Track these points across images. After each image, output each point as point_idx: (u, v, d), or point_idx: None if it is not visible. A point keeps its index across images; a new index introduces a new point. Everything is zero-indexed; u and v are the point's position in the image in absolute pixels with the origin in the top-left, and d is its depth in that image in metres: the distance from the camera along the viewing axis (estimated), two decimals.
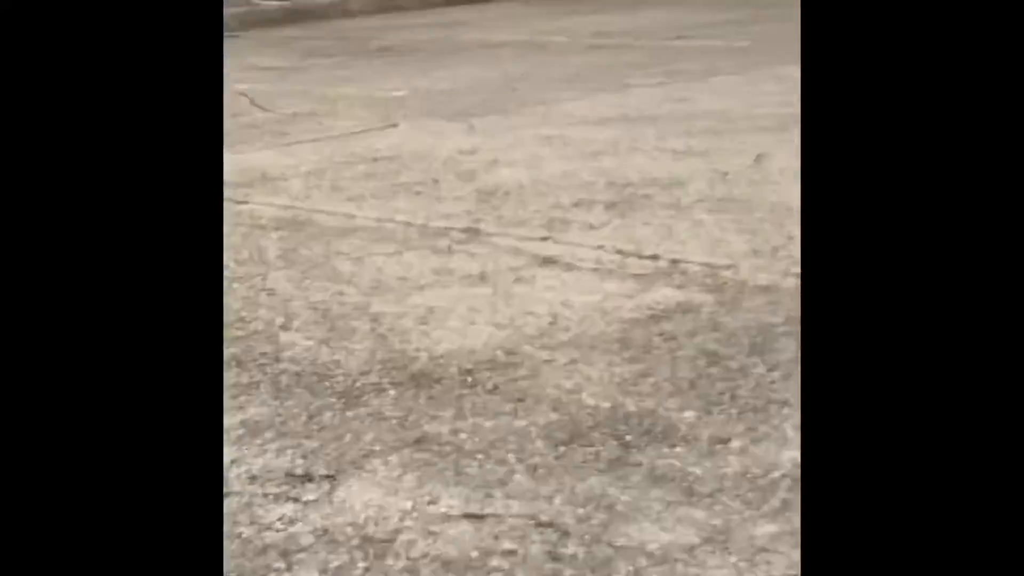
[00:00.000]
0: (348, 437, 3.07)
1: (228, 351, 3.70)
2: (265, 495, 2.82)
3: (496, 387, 3.32)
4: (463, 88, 8.02)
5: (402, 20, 12.17)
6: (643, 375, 3.32)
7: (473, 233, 4.75)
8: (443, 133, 6.62)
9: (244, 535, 2.65)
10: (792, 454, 2.81)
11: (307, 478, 2.89)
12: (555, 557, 2.49)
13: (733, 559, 2.44)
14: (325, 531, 2.65)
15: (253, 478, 2.90)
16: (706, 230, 4.59)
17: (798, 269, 3.98)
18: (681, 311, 3.77)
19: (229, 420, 3.21)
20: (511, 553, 2.52)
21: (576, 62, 8.82)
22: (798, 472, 2.66)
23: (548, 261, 4.35)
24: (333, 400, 3.31)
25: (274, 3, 12.55)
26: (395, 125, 6.94)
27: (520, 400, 3.23)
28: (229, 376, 3.52)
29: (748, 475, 2.75)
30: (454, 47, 10.06)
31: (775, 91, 7.15)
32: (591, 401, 3.18)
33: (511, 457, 2.92)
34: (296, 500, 2.79)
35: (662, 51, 9.12)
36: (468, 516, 2.67)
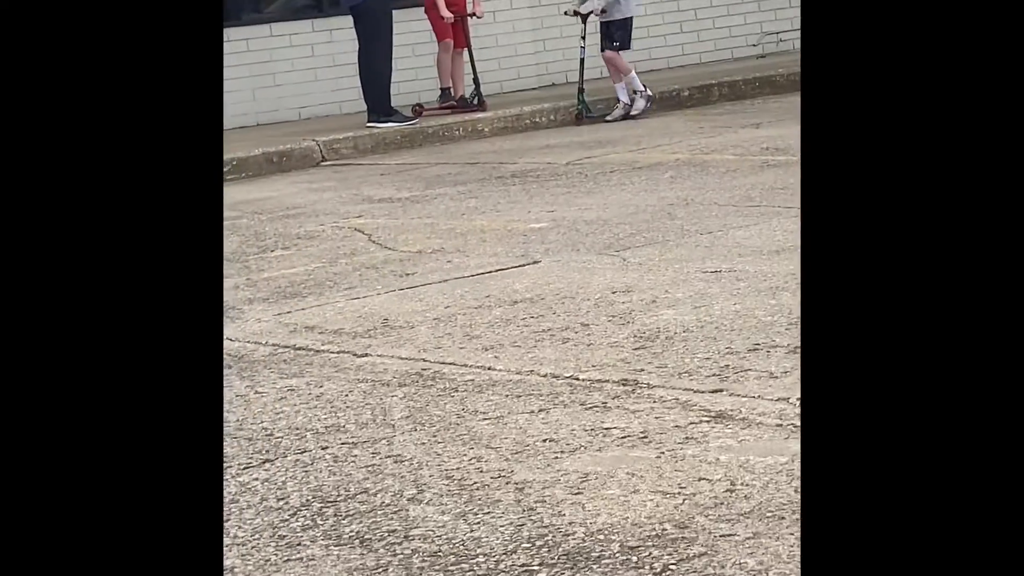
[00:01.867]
0: None
1: (350, 528, 3.71)
2: None
3: (665, 568, 3.29)
4: (613, 217, 8.08)
5: (540, 140, 12.33)
6: None
7: (632, 386, 4.74)
8: (592, 269, 6.66)
9: None
10: None
11: None
12: None
13: None
14: None
15: None
16: None
17: None
18: None
19: None
20: None
21: (744, 183, 8.84)
22: None
23: (722, 417, 4.33)
24: None
25: (392, 126, 12.79)
26: (536, 262, 6.99)
27: None
28: (352, 556, 3.53)
29: None
30: (600, 169, 10.15)
31: None
32: None
33: None
34: None
35: None
36: None
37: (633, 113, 12.99)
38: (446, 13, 13.36)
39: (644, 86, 13.13)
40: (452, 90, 13.77)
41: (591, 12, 13.18)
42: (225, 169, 11.56)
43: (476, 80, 13.56)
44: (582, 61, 13.22)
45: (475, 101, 13.57)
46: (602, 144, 11.59)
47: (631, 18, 13.24)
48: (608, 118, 13.00)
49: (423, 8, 13.71)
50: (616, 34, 13.09)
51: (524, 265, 6.94)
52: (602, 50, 13.21)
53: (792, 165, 9.34)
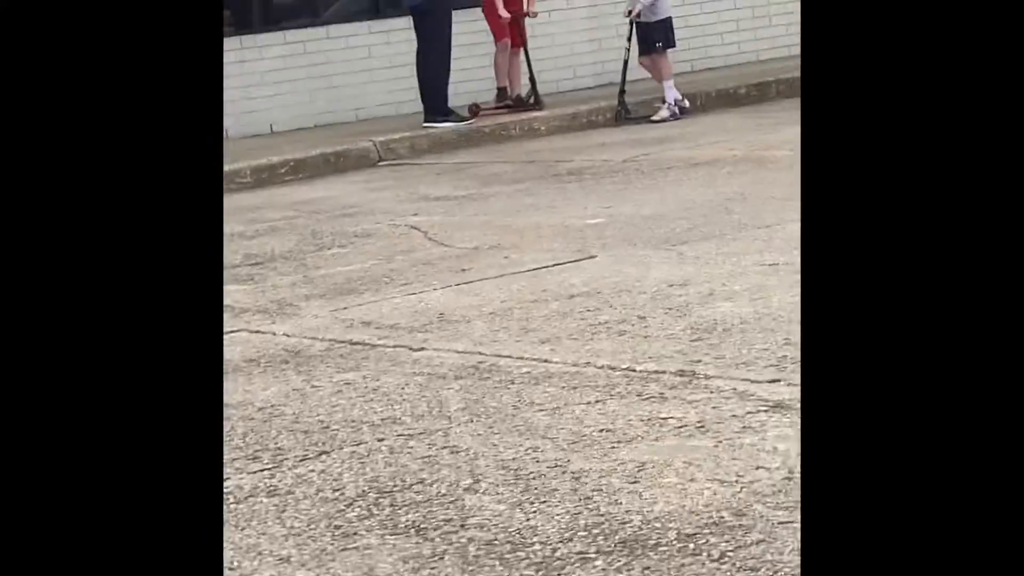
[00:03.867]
0: None
1: (406, 517, 3.71)
2: None
3: (723, 555, 3.27)
4: (670, 212, 8.05)
5: (596, 137, 12.31)
6: None
7: (689, 376, 4.72)
8: (648, 263, 6.64)
9: None
10: None
11: None
12: None
13: None
14: None
15: None
16: None
17: None
18: None
19: None
20: None
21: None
22: None
23: (780, 407, 4.30)
24: (531, 573, 3.30)
25: (448, 126, 12.80)
26: (592, 256, 6.98)
27: (754, 570, 3.17)
28: (408, 545, 3.53)
29: None
30: (657, 166, 10.13)
31: None
32: None
33: None
34: None
35: None
36: None
37: (655, 119, 12.90)
38: (504, 12, 13.36)
39: (677, 99, 13.03)
40: (509, 89, 13.77)
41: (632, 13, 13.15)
42: (282, 170, 11.63)
43: (532, 79, 13.55)
44: (625, 62, 13.18)
45: (532, 100, 13.56)
46: (659, 142, 11.56)
47: (669, 18, 13.17)
48: (653, 118, 12.95)
49: (480, 8, 13.72)
50: (656, 36, 13.05)
51: (581, 260, 6.92)
52: (640, 54, 13.15)
53: None
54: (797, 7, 15.74)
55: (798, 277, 5.99)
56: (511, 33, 13.61)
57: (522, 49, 13.72)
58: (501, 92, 13.82)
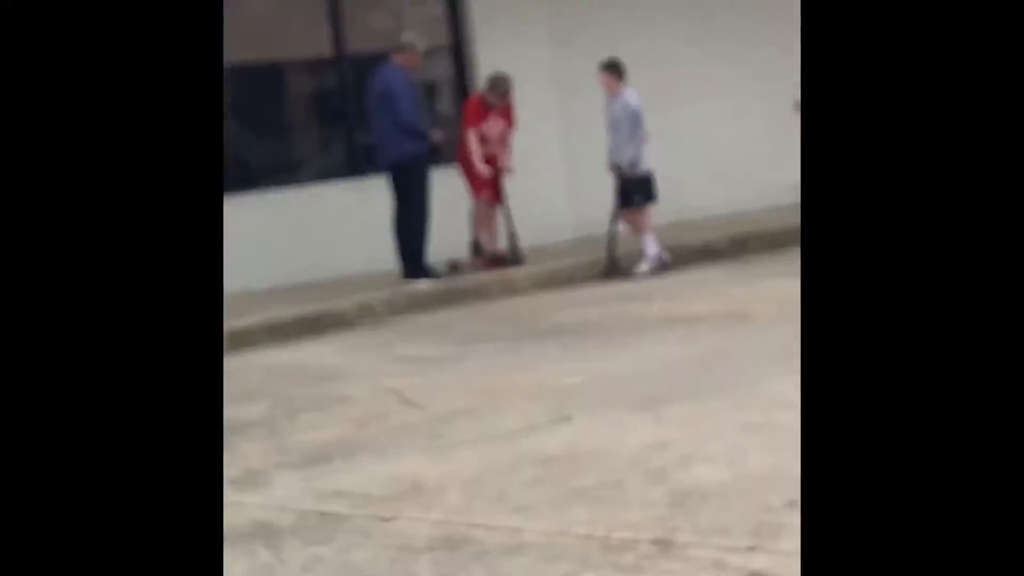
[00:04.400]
0: None
1: None
2: None
3: None
4: (649, 371, 7.98)
5: (577, 293, 12.27)
6: None
7: (665, 545, 4.62)
8: (626, 425, 6.55)
9: None
10: None
11: None
12: None
13: None
14: None
15: None
16: None
17: None
18: None
19: None
20: None
21: (784, 333, 8.72)
22: None
23: (757, 575, 4.20)
24: None
25: (427, 283, 12.77)
26: (569, 418, 6.89)
27: None
28: None
29: None
30: (637, 323, 10.08)
31: None
32: None
33: None
34: None
35: None
36: None
37: (636, 272, 12.89)
38: (482, 166, 13.39)
39: (659, 253, 13.05)
40: (488, 245, 13.76)
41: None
42: (257, 333, 11.55)
43: (512, 234, 13.55)
44: (614, 216, 13.20)
45: (511, 256, 13.55)
46: (639, 297, 11.53)
47: (650, 172, 13.21)
48: (635, 271, 12.93)
49: (458, 163, 13.75)
50: (636, 190, 13.09)
51: (557, 422, 6.83)
52: (620, 206, 13.18)
53: None
54: (777, 160, 15.82)
55: (777, 438, 5.93)
56: (489, 188, 13.64)
57: (501, 204, 13.73)
58: (480, 248, 13.81)
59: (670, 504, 5.11)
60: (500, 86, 13.66)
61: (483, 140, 13.57)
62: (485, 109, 13.65)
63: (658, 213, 13.62)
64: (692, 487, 5.30)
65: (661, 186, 13.46)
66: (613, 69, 13.35)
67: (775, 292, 10.76)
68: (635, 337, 9.42)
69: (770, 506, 4.89)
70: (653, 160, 13.43)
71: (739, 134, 16.17)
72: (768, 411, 6.45)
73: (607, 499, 5.29)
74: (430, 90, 15.23)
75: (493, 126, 13.69)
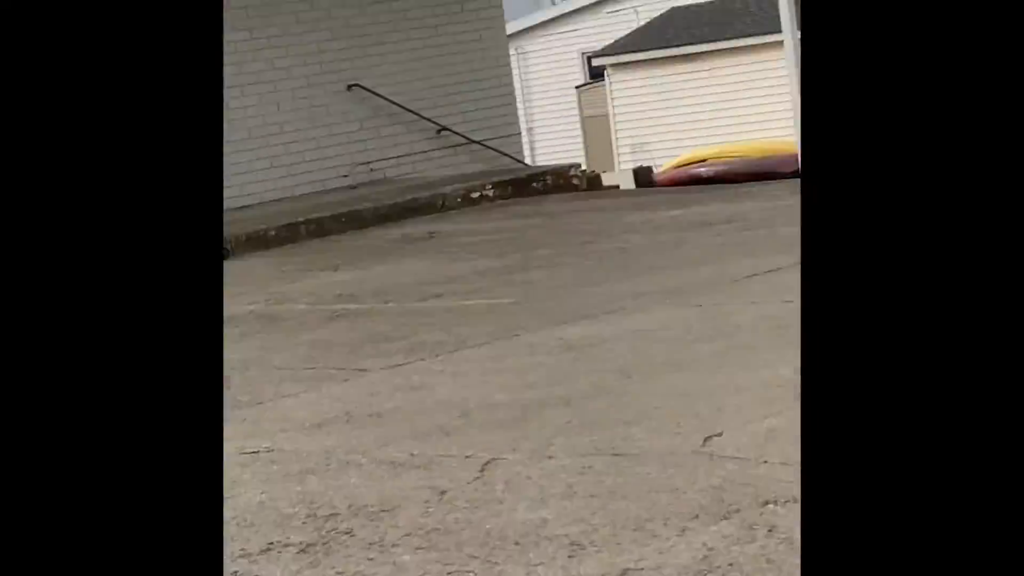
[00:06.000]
0: None
1: None
2: None
3: None
4: None
5: None
6: None
7: None
8: None
9: None
10: None
11: None
12: None
13: None
14: None
15: None
16: None
17: None
18: None
19: None
20: None
21: (308, 339, 8.88)
22: None
23: None
24: None
25: None
26: None
27: None
28: None
29: None
30: None
31: (524, 366, 7.28)
32: None
33: None
34: None
35: (410, 317, 9.24)
36: None
37: None
38: None
39: None
40: None
41: None
42: None
43: None
44: None
45: None
46: None
47: None
48: None
49: None
50: None
51: None
52: None
53: (360, 315, 9.45)
54: (330, 142, 15.96)
55: (273, 468, 5.98)
56: None
57: None
58: None
59: None
60: None
61: None
62: None
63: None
64: None
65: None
66: None
67: (312, 288, 10.84)
68: None
69: (248, 552, 5.00)
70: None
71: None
72: (274, 434, 6.51)
73: None
74: None
75: None
